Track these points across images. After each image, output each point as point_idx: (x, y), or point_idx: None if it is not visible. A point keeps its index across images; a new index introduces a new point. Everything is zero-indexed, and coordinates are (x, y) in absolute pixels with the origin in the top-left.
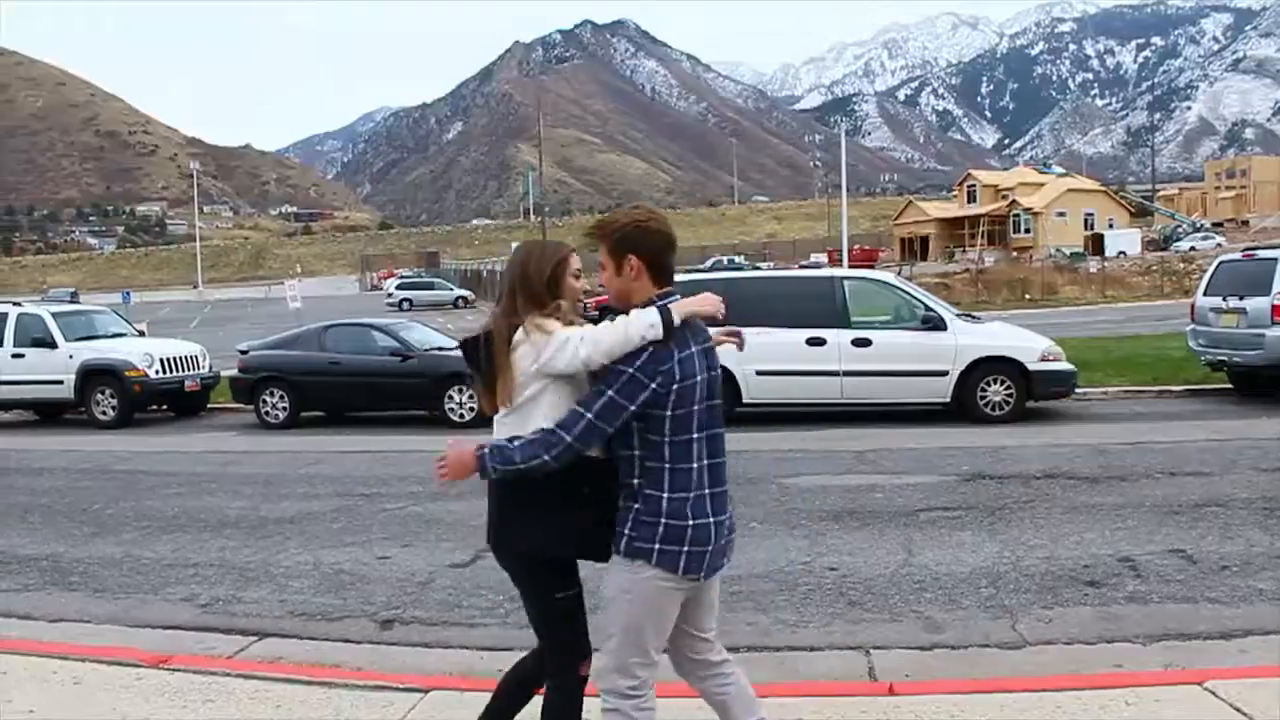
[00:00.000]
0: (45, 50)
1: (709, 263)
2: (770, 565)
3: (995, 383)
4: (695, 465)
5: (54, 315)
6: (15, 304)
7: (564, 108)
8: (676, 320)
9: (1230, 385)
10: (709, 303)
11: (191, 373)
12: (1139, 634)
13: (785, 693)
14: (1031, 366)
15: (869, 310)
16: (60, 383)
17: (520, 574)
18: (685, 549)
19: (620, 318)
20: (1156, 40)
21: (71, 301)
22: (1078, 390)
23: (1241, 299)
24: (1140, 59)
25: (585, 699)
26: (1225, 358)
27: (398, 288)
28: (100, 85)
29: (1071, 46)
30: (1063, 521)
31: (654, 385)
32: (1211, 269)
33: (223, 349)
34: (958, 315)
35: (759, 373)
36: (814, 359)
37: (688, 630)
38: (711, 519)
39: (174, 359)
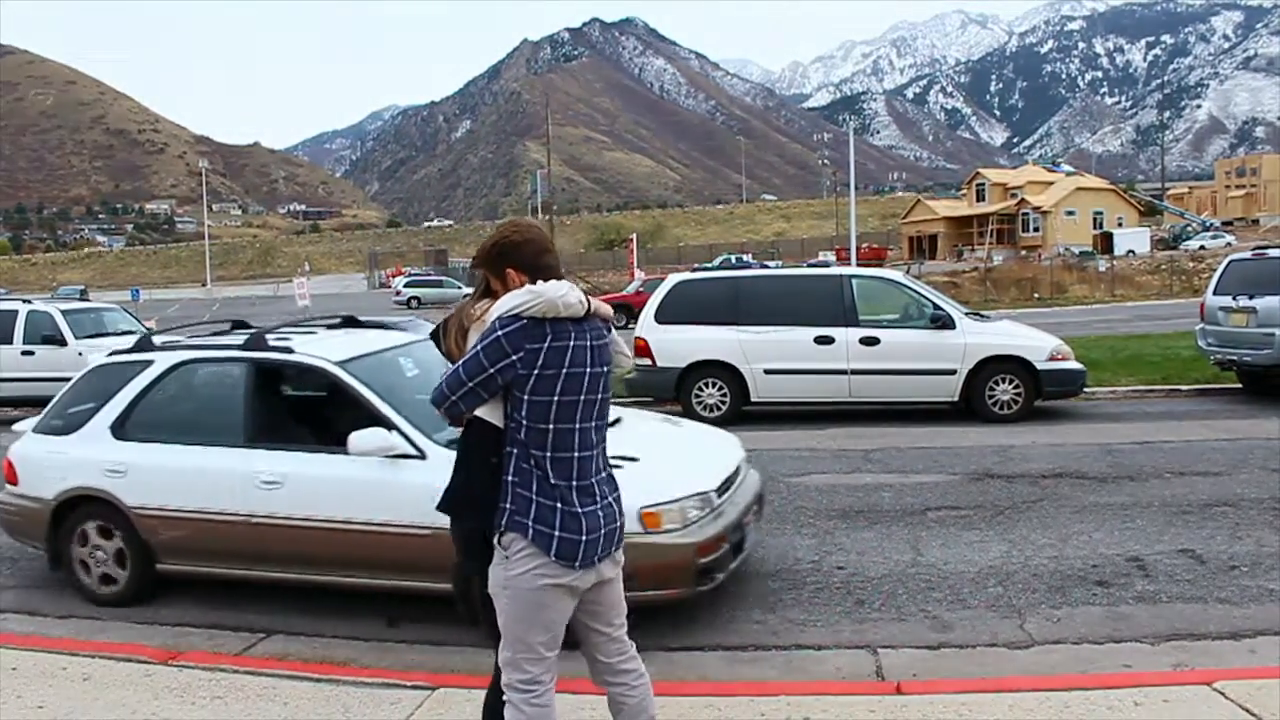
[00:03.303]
0: (55, 49)
1: (717, 261)
2: (778, 564)
3: (1003, 382)
4: (548, 455)
5: (63, 313)
6: (25, 301)
7: (572, 106)
8: (586, 307)
9: (1240, 385)
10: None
11: None
12: (1148, 634)
13: (793, 691)
14: (1040, 365)
15: (877, 309)
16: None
17: (461, 549)
18: (557, 533)
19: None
20: (1166, 38)
21: (81, 299)
22: (1086, 389)
23: (1251, 298)
24: (1150, 57)
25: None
26: (1235, 357)
27: (406, 285)
28: (109, 84)
29: (1081, 44)
30: (1071, 521)
31: (515, 358)
32: (1221, 268)
33: None
34: (966, 314)
35: (767, 371)
36: (822, 357)
37: (595, 628)
38: (580, 509)
39: None
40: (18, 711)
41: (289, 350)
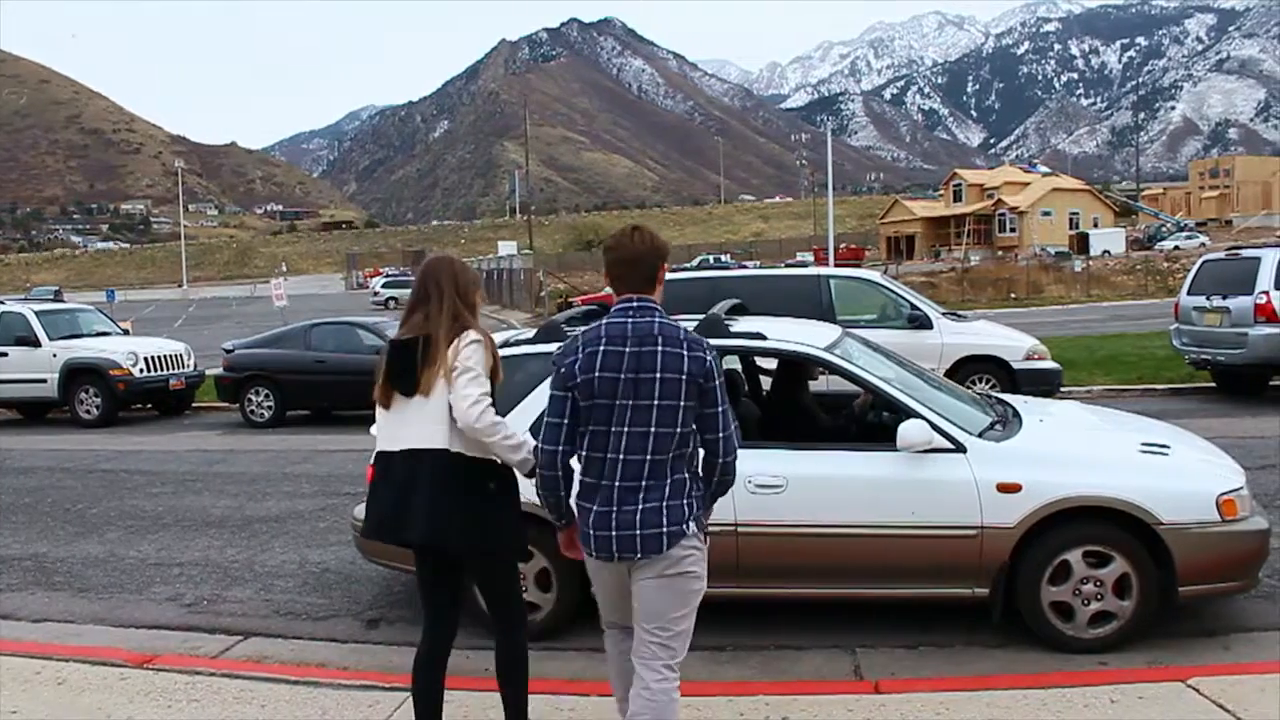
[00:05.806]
0: (28, 47)
1: (695, 261)
2: None
3: (980, 381)
4: (585, 453)
5: (37, 314)
6: None
7: (550, 106)
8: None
9: (1214, 384)
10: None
11: (176, 371)
12: None
13: (772, 691)
14: (1016, 365)
15: (855, 309)
16: (44, 381)
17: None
18: (580, 521)
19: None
20: (1141, 40)
21: (55, 300)
22: (1063, 389)
23: (1225, 298)
24: (1125, 59)
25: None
26: (1209, 356)
27: (384, 286)
28: (84, 83)
29: (1057, 46)
30: None
31: (561, 371)
32: (1195, 268)
33: (208, 347)
34: (943, 314)
35: None
36: None
37: (634, 621)
38: (588, 505)
39: (158, 357)
40: None
41: (760, 336)
